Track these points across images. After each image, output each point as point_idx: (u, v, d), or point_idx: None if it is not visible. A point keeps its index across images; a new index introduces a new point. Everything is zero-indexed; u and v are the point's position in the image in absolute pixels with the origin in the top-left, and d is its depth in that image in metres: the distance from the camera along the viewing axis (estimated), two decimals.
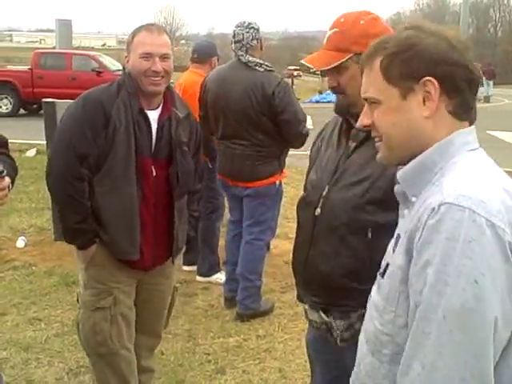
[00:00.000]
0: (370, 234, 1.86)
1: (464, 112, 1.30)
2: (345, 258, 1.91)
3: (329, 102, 20.21)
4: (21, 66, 20.72)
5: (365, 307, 1.57)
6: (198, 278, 4.92)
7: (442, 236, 1.14)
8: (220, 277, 4.80)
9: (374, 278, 1.73)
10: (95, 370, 2.78)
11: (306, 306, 2.12)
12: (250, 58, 4.08)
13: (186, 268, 5.09)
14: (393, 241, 1.38)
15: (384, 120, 1.33)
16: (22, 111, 17.31)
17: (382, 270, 1.39)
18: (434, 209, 1.17)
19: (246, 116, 4.05)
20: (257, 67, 4.07)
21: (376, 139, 1.39)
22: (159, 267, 2.75)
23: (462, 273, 1.12)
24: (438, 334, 1.13)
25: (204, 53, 4.93)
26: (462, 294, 1.11)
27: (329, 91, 26.37)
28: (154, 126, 2.60)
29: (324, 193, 1.97)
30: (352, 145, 1.98)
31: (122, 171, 2.53)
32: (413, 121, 1.30)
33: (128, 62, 2.59)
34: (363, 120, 1.40)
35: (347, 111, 1.98)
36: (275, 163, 4.13)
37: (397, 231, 1.37)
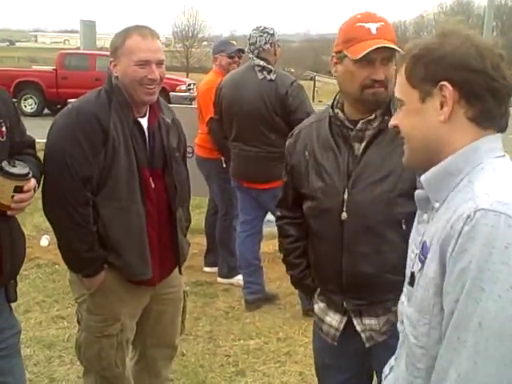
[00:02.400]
0: (403, 226, 1.92)
1: (486, 120, 1.27)
2: (387, 253, 1.97)
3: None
4: (45, 66, 20.96)
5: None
6: (219, 280, 4.94)
7: (478, 242, 1.12)
8: (241, 278, 4.81)
9: None
10: None
11: (329, 312, 2.13)
12: (256, 62, 4.15)
13: (207, 269, 5.13)
14: (414, 248, 1.36)
15: (405, 121, 1.35)
16: (46, 111, 17.50)
17: (408, 280, 1.37)
18: (469, 216, 1.15)
19: (260, 116, 4.08)
20: (259, 73, 4.11)
21: (403, 140, 1.40)
22: (166, 279, 2.65)
23: (499, 279, 1.10)
24: (474, 342, 1.12)
25: (213, 51, 5.02)
26: (498, 300, 1.10)
27: None
28: (146, 135, 2.47)
29: (345, 197, 1.98)
30: (359, 146, 2.01)
31: (126, 189, 2.38)
32: (429, 125, 1.30)
33: (116, 67, 2.41)
34: (391, 120, 1.42)
35: (380, 106, 1.99)
36: None
37: (419, 237, 1.35)
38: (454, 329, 1.15)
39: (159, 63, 2.41)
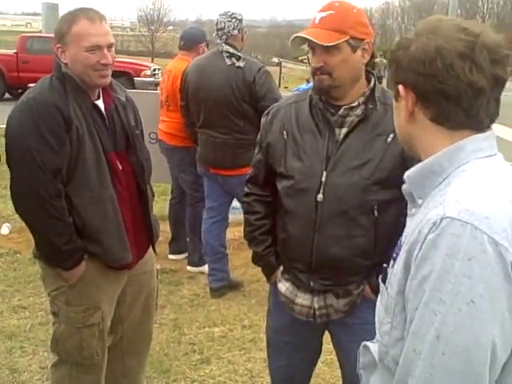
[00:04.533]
0: (375, 212, 2.01)
1: (447, 120, 1.22)
2: (358, 238, 2.04)
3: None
4: (6, 50, 20.46)
5: (364, 282, 2.01)
6: (189, 268, 4.90)
7: (441, 251, 1.09)
8: None
9: (378, 253, 1.99)
10: (71, 378, 2.60)
11: (298, 293, 2.17)
12: (225, 48, 4.11)
13: (172, 257, 5.09)
14: (396, 246, 1.35)
15: (394, 118, 1.37)
16: (7, 96, 17.11)
17: (382, 275, 1.36)
18: (435, 223, 1.11)
19: (228, 103, 4.05)
20: (227, 59, 4.07)
21: None
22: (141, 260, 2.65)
23: (460, 292, 1.06)
24: (430, 355, 1.09)
25: (191, 39, 4.91)
26: (457, 313, 1.06)
27: None
28: (105, 117, 2.44)
29: (323, 179, 2.02)
30: (341, 131, 2.05)
31: (96, 175, 2.35)
32: (401, 123, 1.31)
33: (64, 54, 2.34)
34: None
35: (328, 93, 2.04)
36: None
37: (404, 233, 1.32)
38: (411, 339, 1.13)
39: (110, 46, 2.36)
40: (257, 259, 2.37)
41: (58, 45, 2.35)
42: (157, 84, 16.03)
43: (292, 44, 2.05)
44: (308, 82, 26.84)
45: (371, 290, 2.10)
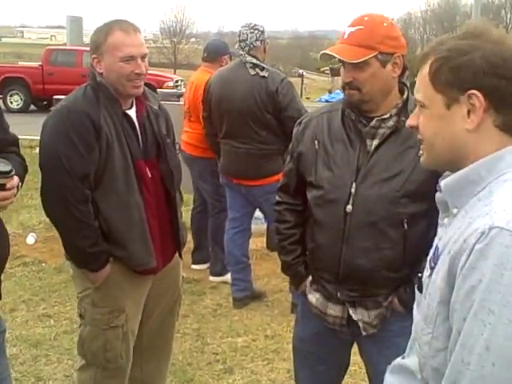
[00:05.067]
0: (405, 225, 2.00)
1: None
2: (385, 250, 2.03)
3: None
4: (32, 62, 20.80)
5: (392, 294, 1.99)
6: (212, 278, 4.92)
7: (490, 262, 1.07)
8: None
9: (407, 265, 1.98)
10: (95, 382, 2.64)
11: (329, 304, 2.17)
12: (248, 59, 4.13)
13: (195, 267, 5.11)
14: (431, 253, 1.32)
15: (427, 126, 1.29)
16: (32, 107, 17.37)
17: (418, 284, 1.35)
18: (483, 232, 1.10)
19: (251, 114, 4.07)
20: (251, 69, 4.09)
21: (420, 141, 1.35)
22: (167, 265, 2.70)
23: (509, 302, 1.05)
24: (479, 366, 1.07)
25: (214, 52, 4.95)
26: (507, 324, 1.05)
27: (338, 91, 26.36)
28: (137, 126, 2.51)
29: (352, 190, 2.02)
30: (372, 142, 2.05)
31: (123, 182, 2.43)
32: (455, 133, 1.24)
33: (99, 64, 2.43)
34: (409, 120, 1.36)
35: (358, 107, 2.05)
36: (279, 160, 4.13)
37: (435, 241, 1.31)
38: (459, 349, 1.11)
39: (143, 57, 2.43)
40: (286, 268, 2.37)
41: (94, 55, 2.44)
42: (179, 95, 16.14)
43: (321, 59, 2.07)
44: (330, 92, 26.86)
45: (399, 302, 2.08)
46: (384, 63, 1.98)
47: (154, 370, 2.88)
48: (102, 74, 2.43)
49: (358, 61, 1.94)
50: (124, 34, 2.39)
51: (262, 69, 4.09)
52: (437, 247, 1.27)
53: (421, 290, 1.32)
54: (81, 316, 2.61)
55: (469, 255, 1.11)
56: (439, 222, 1.34)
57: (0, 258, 2.08)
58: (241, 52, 4.19)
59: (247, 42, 4.17)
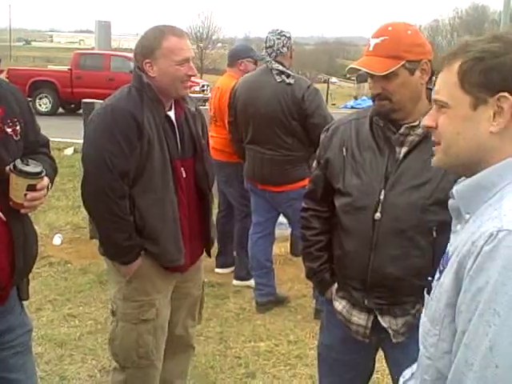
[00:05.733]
0: (434, 233, 1.98)
1: None
2: (414, 258, 2.01)
3: (363, 107, 20.12)
4: (61, 66, 21.09)
5: (420, 302, 1.83)
6: (235, 282, 4.93)
7: (498, 263, 1.07)
8: None
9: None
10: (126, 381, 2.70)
11: (354, 312, 2.16)
12: (275, 66, 4.13)
13: (219, 270, 5.13)
14: (442, 258, 1.33)
15: (449, 126, 1.27)
16: (60, 110, 17.61)
17: (427, 287, 1.35)
18: (491, 235, 1.10)
19: (276, 120, 4.07)
20: (277, 76, 4.10)
21: (435, 142, 1.34)
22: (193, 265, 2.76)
23: None
24: (483, 367, 1.07)
25: (232, 56, 5.00)
26: None
27: (364, 97, 26.22)
28: (176, 127, 2.60)
29: (381, 197, 2.02)
30: (401, 150, 2.04)
31: (161, 181, 2.51)
32: (477, 135, 1.23)
33: (152, 68, 2.50)
34: (426, 120, 1.34)
35: (388, 116, 2.04)
36: (304, 167, 4.13)
37: (448, 247, 1.32)
38: (463, 350, 1.12)
39: (192, 59, 2.56)
40: (311, 275, 2.36)
41: (147, 60, 2.50)
42: (206, 100, 16.24)
43: (349, 73, 2.10)
44: (356, 98, 26.80)
45: None
46: (412, 71, 1.98)
47: (176, 369, 2.93)
48: (152, 77, 2.50)
49: (387, 72, 1.93)
50: (178, 39, 2.50)
51: (288, 76, 4.10)
52: (447, 252, 1.28)
53: (429, 293, 1.33)
54: (112, 313, 2.68)
55: (476, 257, 1.12)
56: (452, 228, 1.34)
57: (29, 257, 2.11)
58: (267, 58, 4.20)
59: (274, 49, 4.17)
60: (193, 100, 2.76)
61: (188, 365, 3.05)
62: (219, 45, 54.61)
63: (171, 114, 2.59)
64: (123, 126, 2.43)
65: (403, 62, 1.94)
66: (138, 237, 2.53)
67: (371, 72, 1.95)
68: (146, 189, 2.50)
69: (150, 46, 2.50)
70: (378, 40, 1.97)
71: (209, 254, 2.86)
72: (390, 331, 2.11)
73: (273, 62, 4.15)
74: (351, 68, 2.02)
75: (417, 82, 2.00)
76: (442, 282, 1.23)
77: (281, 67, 4.13)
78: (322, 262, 2.28)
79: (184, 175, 2.59)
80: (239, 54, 4.95)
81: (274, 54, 4.17)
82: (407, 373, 1.51)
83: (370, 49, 1.98)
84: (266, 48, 4.21)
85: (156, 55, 2.48)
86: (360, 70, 1.98)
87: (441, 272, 1.27)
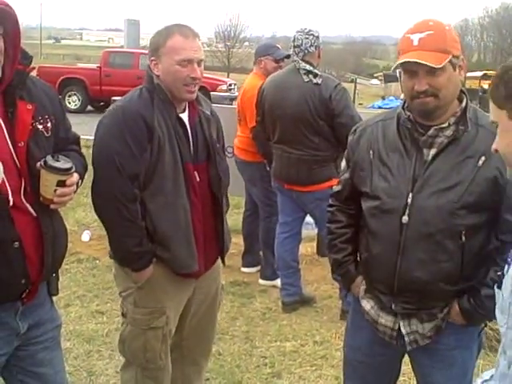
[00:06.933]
0: (463, 237, 1.95)
1: None
2: (442, 263, 1.99)
3: (391, 108, 19.95)
4: (90, 64, 21.31)
5: (448, 306, 1.97)
6: (261, 282, 4.93)
7: None
8: None
9: (464, 278, 1.96)
10: (137, 382, 2.68)
11: (381, 313, 2.15)
12: (302, 65, 4.11)
13: (245, 270, 5.14)
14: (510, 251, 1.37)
15: (500, 142, 1.38)
16: (89, 108, 17.79)
17: (498, 282, 1.39)
18: None
19: (304, 119, 4.06)
20: (304, 76, 4.08)
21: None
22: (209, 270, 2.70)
23: None
24: None
25: (255, 54, 5.02)
26: None
27: (392, 97, 25.94)
28: (189, 130, 2.53)
29: (409, 200, 1.99)
30: (429, 152, 2.01)
31: (172, 184, 2.44)
32: None
33: (157, 66, 2.46)
34: (494, 145, 1.44)
35: (432, 114, 1.99)
36: (332, 167, 4.12)
37: None
38: None
39: (199, 62, 2.46)
40: (336, 267, 2.34)
41: (153, 57, 2.47)
42: (232, 99, 16.32)
43: (394, 70, 2.04)
44: (383, 98, 26.61)
45: (461, 313, 2.04)
46: (455, 66, 1.94)
47: (194, 373, 2.91)
48: (158, 76, 2.46)
49: (441, 65, 1.88)
50: (183, 39, 2.42)
51: (316, 75, 4.08)
52: None
53: (500, 287, 1.36)
54: (123, 314, 2.64)
55: None
56: None
57: (59, 253, 2.12)
58: (295, 58, 4.18)
59: (302, 48, 4.15)
60: (208, 103, 2.71)
61: (205, 368, 3.02)
62: (246, 44, 54.72)
63: (184, 116, 2.53)
64: (133, 128, 2.38)
65: (450, 57, 1.91)
66: (150, 242, 2.47)
67: (430, 65, 1.87)
68: (156, 192, 2.44)
69: (156, 43, 2.47)
70: (422, 35, 1.92)
71: (223, 261, 2.78)
72: (417, 335, 2.09)
73: (300, 62, 4.13)
74: (401, 63, 1.94)
75: (458, 78, 1.97)
76: (509, 272, 1.27)
77: (308, 66, 4.11)
78: (347, 254, 2.27)
79: (198, 179, 2.53)
80: (259, 52, 4.95)
81: (301, 54, 4.15)
82: (487, 374, 1.50)
83: (415, 44, 1.92)
84: (294, 47, 4.19)
85: (160, 53, 2.45)
86: (416, 62, 1.88)
87: (509, 264, 1.31)
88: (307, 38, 4.16)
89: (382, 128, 2.12)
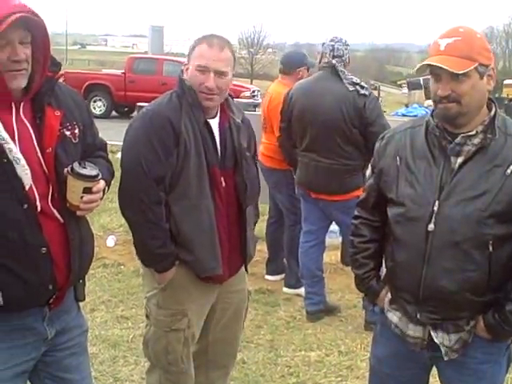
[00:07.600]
0: (490, 247, 1.92)
1: None
2: (469, 272, 1.96)
3: (415, 115, 19.79)
4: (114, 70, 21.50)
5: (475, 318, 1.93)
6: (286, 290, 4.91)
7: None
8: None
9: (491, 289, 1.94)
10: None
11: (410, 325, 2.12)
12: (349, 76, 4.11)
13: (269, 277, 5.13)
14: None
15: None
16: (113, 113, 17.93)
17: None
18: None
19: (337, 128, 4.04)
20: (349, 86, 4.06)
21: None
22: (232, 277, 2.70)
23: None
24: None
25: (289, 63, 4.95)
26: None
27: (415, 105, 25.71)
28: (217, 136, 2.56)
29: (435, 208, 1.97)
30: (457, 160, 1.99)
31: (197, 188, 2.47)
32: None
33: (187, 71, 2.54)
34: None
35: (454, 120, 1.98)
36: (360, 175, 4.09)
37: None
38: None
39: (219, 73, 2.47)
40: (357, 282, 2.34)
41: (186, 62, 2.59)
42: (255, 105, 16.32)
43: (417, 72, 2.04)
44: (407, 106, 26.37)
45: (486, 327, 2.02)
46: (482, 75, 1.93)
47: (218, 379, 2.90)
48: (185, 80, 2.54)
49: (463, 71, 1.88)
50: (207, 47, 2.48)
51: (362, 87, 4.07)
52: None
53: None
54: (147, 316, 2.69)
55: None
56: None
57: (86, 259, 2.13)
58: (340, 68, 4.13)
59: (343, 59, 4.17)
60: (240, 110, 2.72)
61: (229, 374, 3.01)
62: (269, 50, 54.83)
63: (214, 121, 2.56)
64: (160, 132, 2.43)
65: (476, 64, 1.90)
66: (174, 245, 2.50)
67: (450, 69, 1.88)
68: (181, 196, 2.47)
69: (190, 49, 2.57)
70: (450, 40, 1.92)
71: (246, 269, 2.78)
72: (443, 348, 2.06)
73: (347, 74, 4.12)
74: (422, 66, 1.96)
75: (484, 87, 1.96)
76: None
77: (354, 79, 4.10)
78: (368, 270, 2.25)
79: (223, 184, 2.55)
80: (297, 63, 4.89)
81: (342, 64, 4.16)
82: None
83: (442, 48, 1.93)
84: (334, 57, 4.16)
85: (189, 58, 2.55)
86: (437, 66, 1.90)
87: None
88: (346, 49, 4.23)
89: (411, 135, 2.12)
